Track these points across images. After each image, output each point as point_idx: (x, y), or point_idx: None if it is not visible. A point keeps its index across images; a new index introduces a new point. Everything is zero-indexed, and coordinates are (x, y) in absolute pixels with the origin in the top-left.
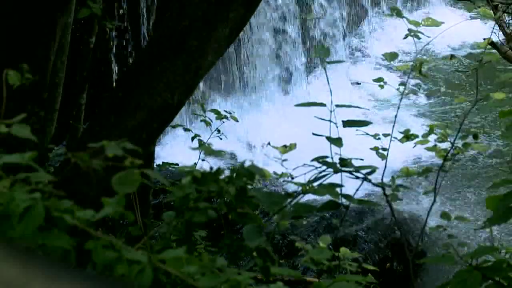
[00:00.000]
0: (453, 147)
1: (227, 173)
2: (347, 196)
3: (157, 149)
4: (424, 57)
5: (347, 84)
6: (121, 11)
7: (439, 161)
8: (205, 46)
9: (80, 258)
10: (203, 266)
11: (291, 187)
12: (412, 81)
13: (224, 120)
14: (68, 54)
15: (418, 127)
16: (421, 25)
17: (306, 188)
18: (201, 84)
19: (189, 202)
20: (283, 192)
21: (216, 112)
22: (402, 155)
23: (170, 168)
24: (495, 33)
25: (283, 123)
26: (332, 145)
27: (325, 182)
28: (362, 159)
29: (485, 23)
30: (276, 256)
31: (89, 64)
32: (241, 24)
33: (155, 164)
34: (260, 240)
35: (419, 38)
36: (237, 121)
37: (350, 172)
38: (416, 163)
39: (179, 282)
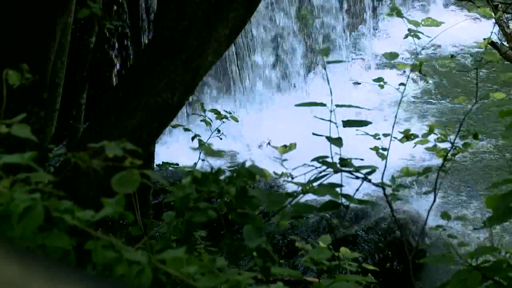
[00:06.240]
0: (453, 147)
1: (227, 173)
2: (347, 196)
3: (157, 149)
4: (424, 52)
5: (347, 84)
6: (121, 10)
7: (439, 161)
8: (205, 46)
9: (80, 258)
10: (203, 266)
11: (291, 187)
12: (412, 81)
13: (224, 120)
14: (68, 54)
15: (418, 127)
16: (421, 25)
17: (306, 188)
18: (201, 84)
19: (189, 202)
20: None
21: (216, 112)
22: (402, 155)
23: (170, 168)
24: (495, 33)
25: (283, 123)
26: (332, 145)
27: (325, 182)
28: (362, 159)
29: (488, 21)
30: (276, 256)
31: (89, 64)
32: (241, 24)
33: (155, 164)
34: (260, 240)
35: (419, 38)
36: (237, 121)
37: (350, 172)
38: (416, 163)
39: (179, 282)
